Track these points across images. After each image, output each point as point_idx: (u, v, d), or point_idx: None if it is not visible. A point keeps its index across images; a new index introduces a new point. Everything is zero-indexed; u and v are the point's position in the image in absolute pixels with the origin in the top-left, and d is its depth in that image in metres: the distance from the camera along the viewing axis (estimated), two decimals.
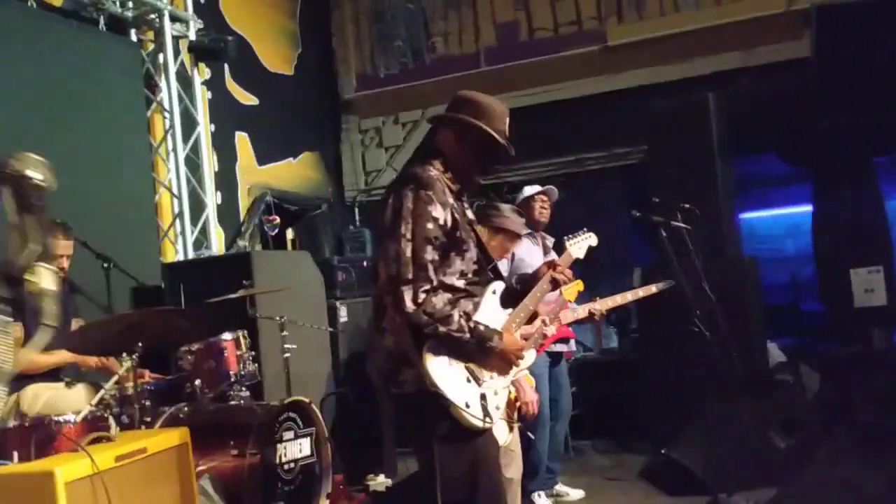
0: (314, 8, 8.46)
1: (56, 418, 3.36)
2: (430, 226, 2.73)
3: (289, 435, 3.83)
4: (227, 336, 4.04)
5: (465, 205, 3.05)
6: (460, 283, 2.86)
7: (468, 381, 2.83)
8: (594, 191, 8.38)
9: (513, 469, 4.29)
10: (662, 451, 5.38)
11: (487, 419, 2.83)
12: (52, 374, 4.20)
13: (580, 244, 3.46)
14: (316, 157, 8.28)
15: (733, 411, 5.23)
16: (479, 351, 2.80)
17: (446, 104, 2.93)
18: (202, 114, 6.25)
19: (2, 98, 4.89)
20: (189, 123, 6.21)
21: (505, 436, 3.87)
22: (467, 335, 2.74)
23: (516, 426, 4.16)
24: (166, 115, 6.07)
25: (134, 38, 6.00)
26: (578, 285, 4.78)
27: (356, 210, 8.40)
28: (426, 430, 2.79)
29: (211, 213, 6.23)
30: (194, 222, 6.14)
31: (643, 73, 7.54)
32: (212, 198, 6.26)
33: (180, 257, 5.94)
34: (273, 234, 6.60)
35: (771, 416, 5.23)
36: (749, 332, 5.97)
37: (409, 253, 2.70)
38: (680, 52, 7.43)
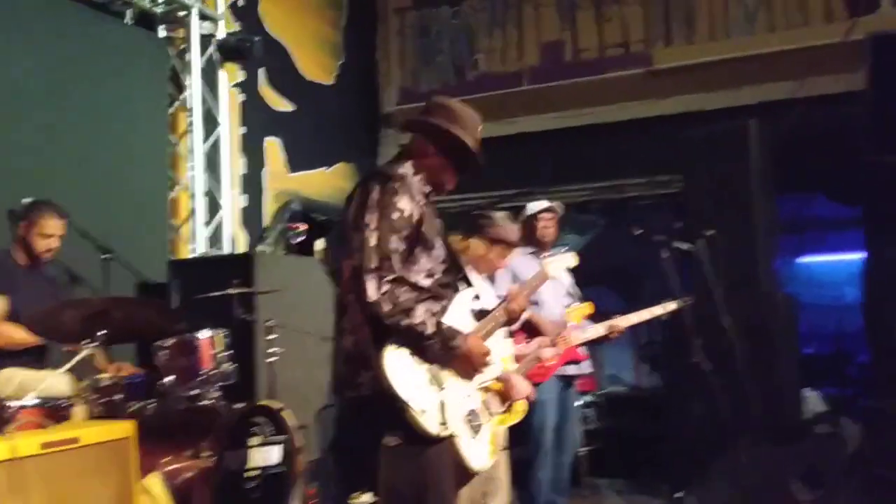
0: (359, 20, 8.40)
1: (8, 402, 3.27)
2: (395, 216, 2.62)
3: (254, 441, 3.66)
4: (203, 334, 3.88)
5: (436, 212, 2.91)
6: (427, 283, 2.71)
7: (428, 385, 2.66)
8: (637, 220, 8.09)
9: (499, 499, 4.03)
10: (675, 496, 5.10)
11: (444, 427, 2.65)
12: (38, 359, 4.13)
13: (557, 263, 3.26)
14: (351, 169, 8.17)
15: (756, 458, 4.91)
16: (442, 350, 2.64)
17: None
18: (225, 114, 6.18)
19: (22, 84, 4.90)
20: (211, 123, 6.16)
21: (485, 459, 3.63)
22: (431, 329, 2.59)
23: (502, 450, 3.93)
24: (189, 113, 6.02)
25: (163, 34, 5.99)
26: (585, 308, 4.54)
27: None
28: (376, 436, 2.61)
29: (226, 214, 6.15)
30: (209, 222, 6.06)
31: (689, 100, 7.25)
32: (228, 199, 6.16)
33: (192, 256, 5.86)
34: (297, 241, 6.49)
35: (796, 466, 4.90)
36: (780, 374, 5.61)
37: (373, 242, 2.59)
38: (728, 79, 7.12)
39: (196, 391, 3.79)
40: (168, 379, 3.80)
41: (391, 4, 8.60)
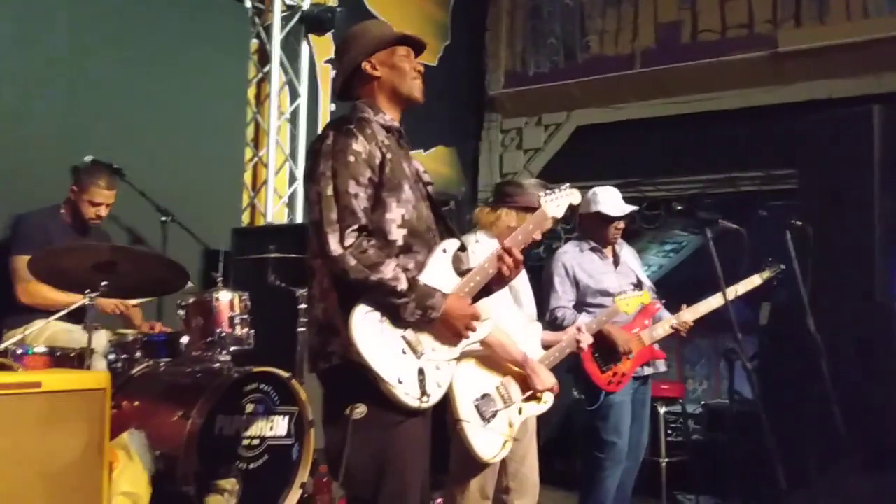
0: (469, 1, 8.16)
1: (14, 348, 3.26)
2: (352, 159, 2.35)
3: (256, 408, 3.49)
4: (223, 295, 3.76)
5: (416, 163, 2.68)
6: (399, 234, 2.41)
7: (404, 352, 2.36)
8: (751, 217, 7.42)
9: (526, 499, 3.65)
10: None
11: (424, 398, 2.35)
12: (76, 317, 4.13)
13: (558, 201, 2.81)
14: (450, 153, 7.95)
15: (857, 484, 4.35)
16: (418, 311, 2.33)
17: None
18: (305, 87, 6.10)
19: (100, 46, 4.96)
20: (293, 95, 6.10)
21: (495, 449, 3.30)
22: (404, 285, 2.29)
23: (528, 443, 3.57)
24: (272, 84, 5.99)
25: (248, 3, 5.95)
26: (642, 298, 4.08)
27: None
28: (340, 409, 2.34)
29: (301, 187, 6.06)
30: (283, 193, 6.02)
31: (817, 86, 6.52)
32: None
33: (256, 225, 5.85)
34: None
35: (890, 497, 4.27)
36: (890, 394, 4.92)
37: (330, 191, 2.34)
38: (864, 64, 6.35)
39: (211, 352, 3.66)
40: (184, 338, 3.70)
41: None
